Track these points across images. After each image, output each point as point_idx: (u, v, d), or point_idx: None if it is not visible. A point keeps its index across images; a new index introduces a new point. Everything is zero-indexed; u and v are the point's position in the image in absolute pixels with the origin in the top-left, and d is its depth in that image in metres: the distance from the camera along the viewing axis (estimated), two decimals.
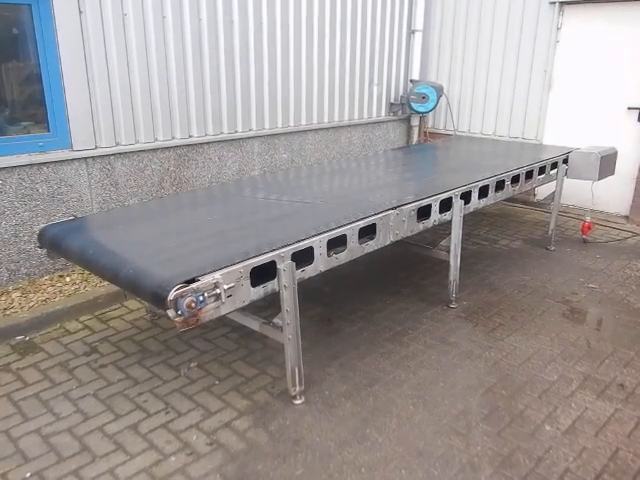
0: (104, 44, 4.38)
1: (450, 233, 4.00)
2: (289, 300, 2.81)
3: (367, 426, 2.87)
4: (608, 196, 6.19)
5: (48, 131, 4.28)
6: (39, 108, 4.24)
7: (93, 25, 4.28)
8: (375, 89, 6.95)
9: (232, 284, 2.56)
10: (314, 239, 2.95)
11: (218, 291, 2.49)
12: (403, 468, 2.59)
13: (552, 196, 5.37)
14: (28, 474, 2.57)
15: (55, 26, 4.09)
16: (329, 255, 3.06)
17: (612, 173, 5.44)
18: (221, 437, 2.80)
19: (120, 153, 4.67)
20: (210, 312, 2.50)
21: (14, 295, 4.10)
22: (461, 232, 4.02)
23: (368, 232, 3.31)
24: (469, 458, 2.64)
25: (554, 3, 6.13)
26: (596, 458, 2.64)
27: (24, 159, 4.14)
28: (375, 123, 7.11)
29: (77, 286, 4.30)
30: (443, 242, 4.11)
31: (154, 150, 4.91)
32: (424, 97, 6.94)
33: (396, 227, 3.49)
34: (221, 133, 5.40)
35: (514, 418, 2.93)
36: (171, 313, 2.35)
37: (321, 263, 3.02)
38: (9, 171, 4.08)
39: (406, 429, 2.85)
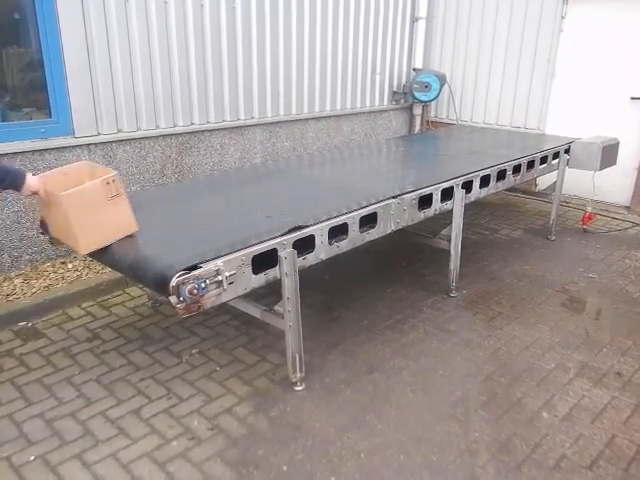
0: (106, 30, 4.36)
1: (451, 222, 4.01)
2: (290, 287, 2.83)
3: (366, 412, 2.90)
4: (609, 186, 6.18)
5: (50, 117, 4.28)
6: (41, 94, 4.23)
7: (95, 11, 4.25)
8: (378, 77, 6.92)
9: (234, 271, 2.57)
10: (315, 227, 2.96)
11: (220, 278, 2.51)
12: (402, 453, 2.62)
13: (553, 186, 5.37)
14: (32, 457, 2.61)
15: (57, 12, 4.07)
16: (330, 243, 3.08)
17: (614, 163, 5.43)
18: (222, 422, 2.83)
19: (122, 140, 4.67)
20: (212, 299, 2.52)
21: (16, 281, 4.13)
22: (462, 221, 4.03)
23: (369, 221, 3.32)
24: (467, 444, 2.68)
25: None
26: (592, 444, 2.68)
27: (26, 145, 4.14)
28: (377, 112, 7.09)
29: (79, 273, 4.32)
30: (444, 231, 4.12)
31: (156, 137, 4.90)
32: (427, 86, 6.91)
33: (397, 216, 3.50)
34: (223, 121, 5.39)
35: (512, 405, 2.96)
36: (173, 299, 2.37)
37: (322, 251, 3.04)
38: (11, 157, 4.08)
39: (405, 415, 2.88)
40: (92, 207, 2.64)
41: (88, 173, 2.84)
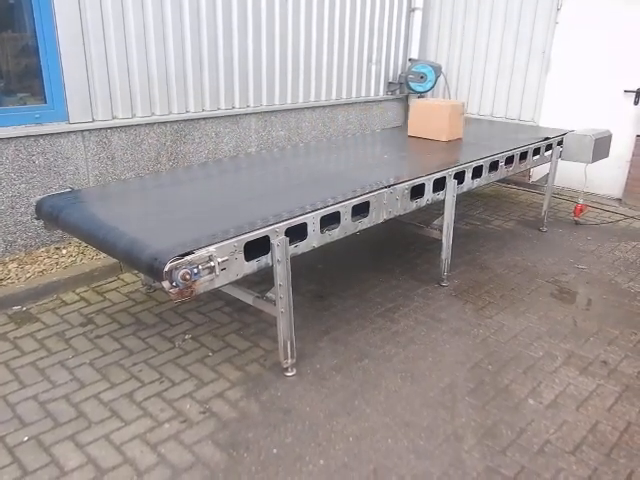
0: (101, 16, 4.34)
1: (443, 213, 4.04)
2: (282, 274, 2.86)
3: (356, 398, 2.95)
4: (602, 179, 6.24)
5: (45, 103, 4.28)
6: (35, 79, 4.23)
7: None
8: (373, 67, 6.92)
9: (226, 257, 2.61)
10: (308, 215, 2.99)
11: (212, 264, 2.54)
12: (389, 437, 2.67)
13: (546, 178, 5.41)
14: (25, 438, 2.65)
15: None
16: (322, 231, 3.11)
17: (606, 156, 5.47)
18: (214, 406, 2.88)
19: (117, 127, 4.67)
20: (204, 284, 2.55)
21: (11, 266, 4.14)
22: (454, 212, 4.06)
23: (362, 210, 3.36)
24: (454, 429, 2.73)
25: None
26: (576, 430, 2.74)
27: (20, 130, 4.14)
28: (373, 102, 7.09)
29: (73, 258, 4.34)
30: (436, 221, 4.16)
31: (151, 124, 4.91)
32: (422, 77, 6.92)
33: (389, 205, 3.53)
34: (218, 109, 5.39)
35: (499, 392, 3.02)
36: (166, 284, 2.40)
37: (314, 239, 3.07)
38: (5, 142, 4.09)
39: (394, 401, 2.93)
40: (456, 115, 4.94)
41: (439, 101, 5.20)
